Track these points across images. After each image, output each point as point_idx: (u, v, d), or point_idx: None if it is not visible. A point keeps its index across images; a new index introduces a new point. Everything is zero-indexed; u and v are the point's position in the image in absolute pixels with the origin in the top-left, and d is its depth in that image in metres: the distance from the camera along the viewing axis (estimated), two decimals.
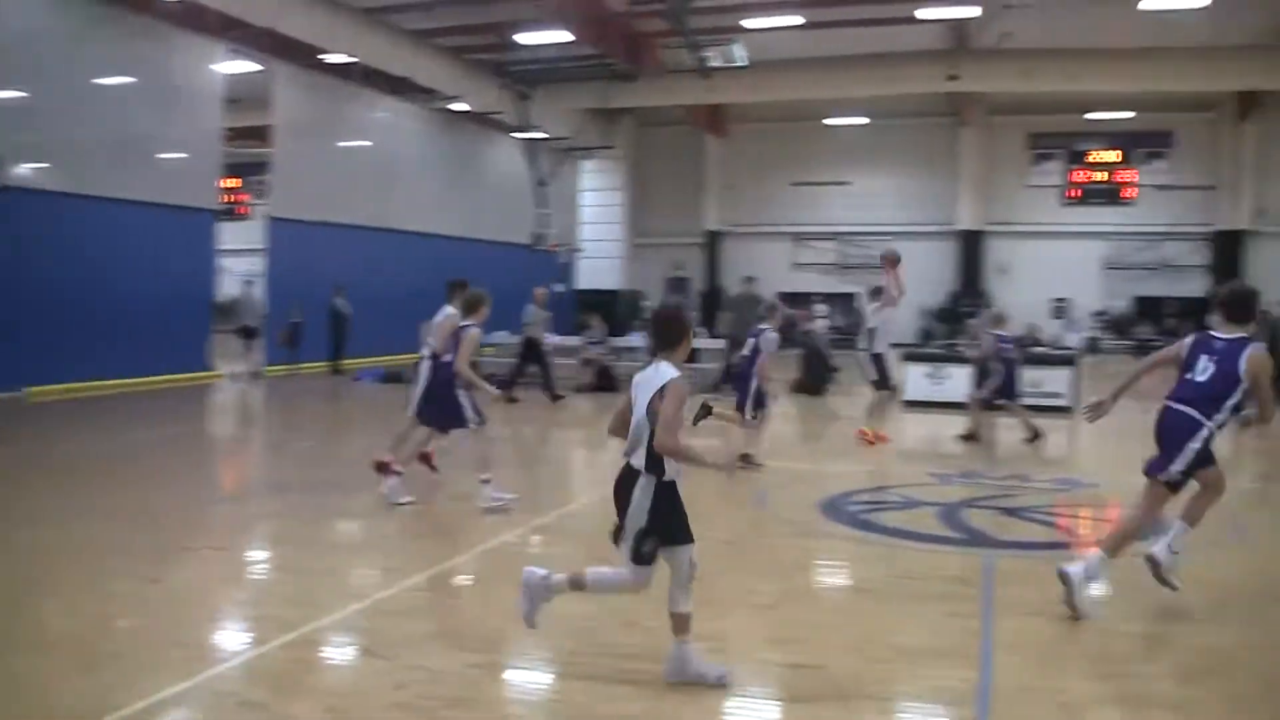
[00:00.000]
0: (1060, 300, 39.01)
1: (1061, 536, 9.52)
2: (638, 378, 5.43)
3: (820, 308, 36.88)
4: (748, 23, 27.35)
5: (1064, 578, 6.72)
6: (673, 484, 5.34)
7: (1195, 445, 6.83)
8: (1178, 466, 6.88)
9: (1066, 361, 19.48)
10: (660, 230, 41.79)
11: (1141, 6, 25.37)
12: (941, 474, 11.77)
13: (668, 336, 5.46)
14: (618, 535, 5.42)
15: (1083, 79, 32.25)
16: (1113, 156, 40.38)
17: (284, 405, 20.22)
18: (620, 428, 5.51)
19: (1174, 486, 6.97)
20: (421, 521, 9.61)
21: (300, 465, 13.17)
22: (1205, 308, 35.91)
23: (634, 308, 35.91)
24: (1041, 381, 17.92)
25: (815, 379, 21.53)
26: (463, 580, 7.84)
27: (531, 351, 19.72)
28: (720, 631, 6.27)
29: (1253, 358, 6.82)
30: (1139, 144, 40.05)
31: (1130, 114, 38.02)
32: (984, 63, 32.10)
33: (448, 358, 9.88)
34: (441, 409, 9.96)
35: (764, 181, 41.30)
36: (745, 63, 29.10)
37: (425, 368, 10.22)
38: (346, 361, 24.79)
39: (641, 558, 5.32)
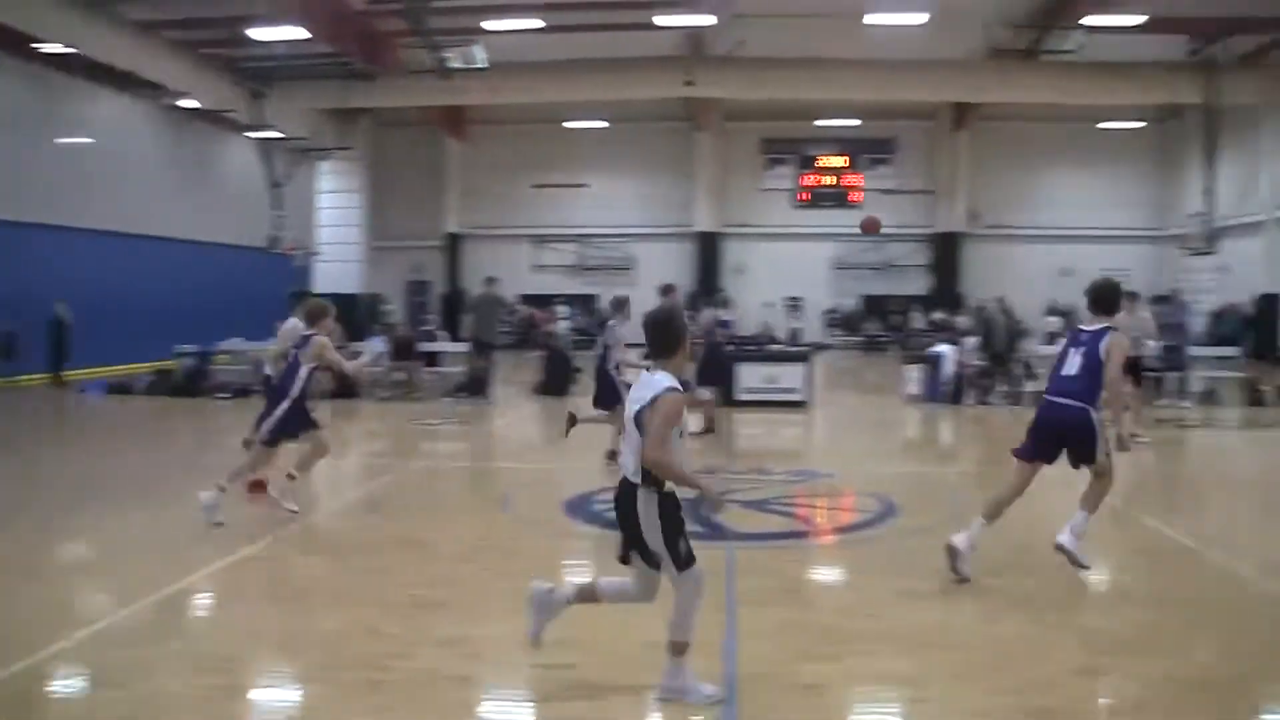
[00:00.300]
0: (794, 299, 40.57)
1: (800, 526, 9.87)
2: (635, 387, 5.27)
3: (562, 309, 37.16)
4: (488, 24, 27.25)
5: (950, 549, 7.43)
6: (673, 494, 5.20)
7: (1099, 430, 7.48)
8: (1101, 462, 7.52)
9: (800, 358, 20.19)
10: (400, 233, 41.14)
11: (866, 21, 26.66)
12: None
13: (662, 342, 5.27)
14: (627, 556, 5.32)
15: (812, 87, 33.59)
16: (840, 162, 42.25)
17: None
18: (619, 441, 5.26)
19: (1038, 466, 7.71)
20: (155, 538, 9.13)
21: (15, 484, 12.32)
22: (928, 305, 38.07)
23: (373, 312, 35.25)
24: (777, 377, 18.55)
25: (557, 380, 21.64)
26: (201, 599, 7.51)
27: None
28: (469, 635, 6.25)
29: (1111, 341, 7.48)
30: (865, 150, 42.11)
31: (857, 121, 39.98)
32: (719, 70, 33.00)
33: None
34: (301, 417, 9.67)
35: (505, 183, 41.22)
36: (485, 64, 28.98)
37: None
38: (70, 373, 23.37)
39: (684, 562, 5.19)
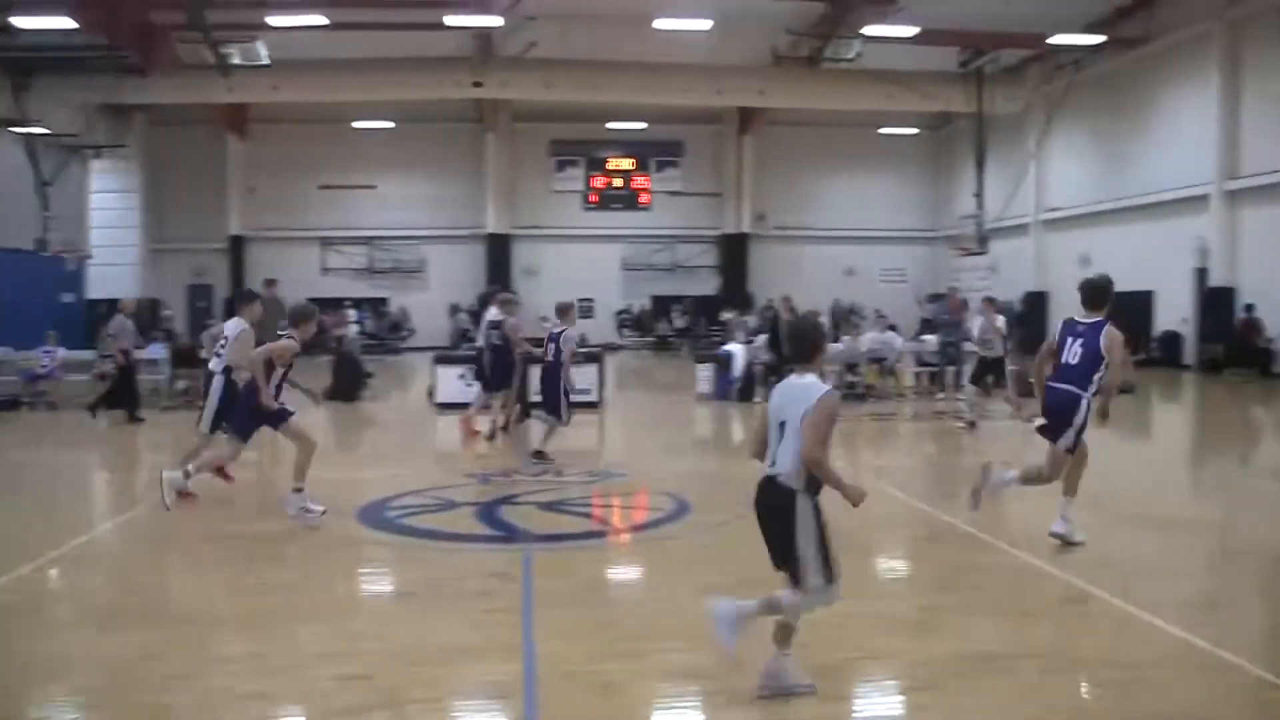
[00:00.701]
0: (585, 300, 40.72)
1: (596, 526, 9.91)
2: (778, 391, 5.37)
3: (351, 313, 36.42)
4: (270, 20, 26.47)
5: (1056, 535, 8.41)
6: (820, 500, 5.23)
7: (1079, 419, 8.27)
8: (1067, 442, 8.33)
9: (592, 359, 20.27)
10: (181, 235, 39.54)
11: (655, 25, 27.02)
12: (479, 473, 11.92)
13: (803, 348, 5.51)
14: (784, 563, 5.30)
15: (601, 90, 33.83)
16: (629, 164, 42.69)
17: None
18: (761, 450, 5.41)
19: (1070, 451, 8.38)
20: None
21: None
22: (716, 305, 38.76)
23: (153, 317, 33.85)
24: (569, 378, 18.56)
25: (348, 385, 21.20)
26: None
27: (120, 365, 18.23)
28: (262, 650, 6.06)
29: (1110, 335, 8.30)
30: (653, 153, 42.68)
31: (644, 124, 40.45)
32: (508, 71, 32.96)
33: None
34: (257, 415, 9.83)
35: (291, 184, 40.13)
36: (267, 61, 28.22)
37: (219, 382, 10.67)
38: None
39: (834, 574, 5.27)
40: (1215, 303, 28.20)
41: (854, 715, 5.40)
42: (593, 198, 42.70)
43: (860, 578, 7.91)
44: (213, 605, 7.09)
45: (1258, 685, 5.56)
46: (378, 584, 8.09)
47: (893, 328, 23.77)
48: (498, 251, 40.74)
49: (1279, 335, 26.05)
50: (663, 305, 41.99)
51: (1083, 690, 5.63)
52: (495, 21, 27.13)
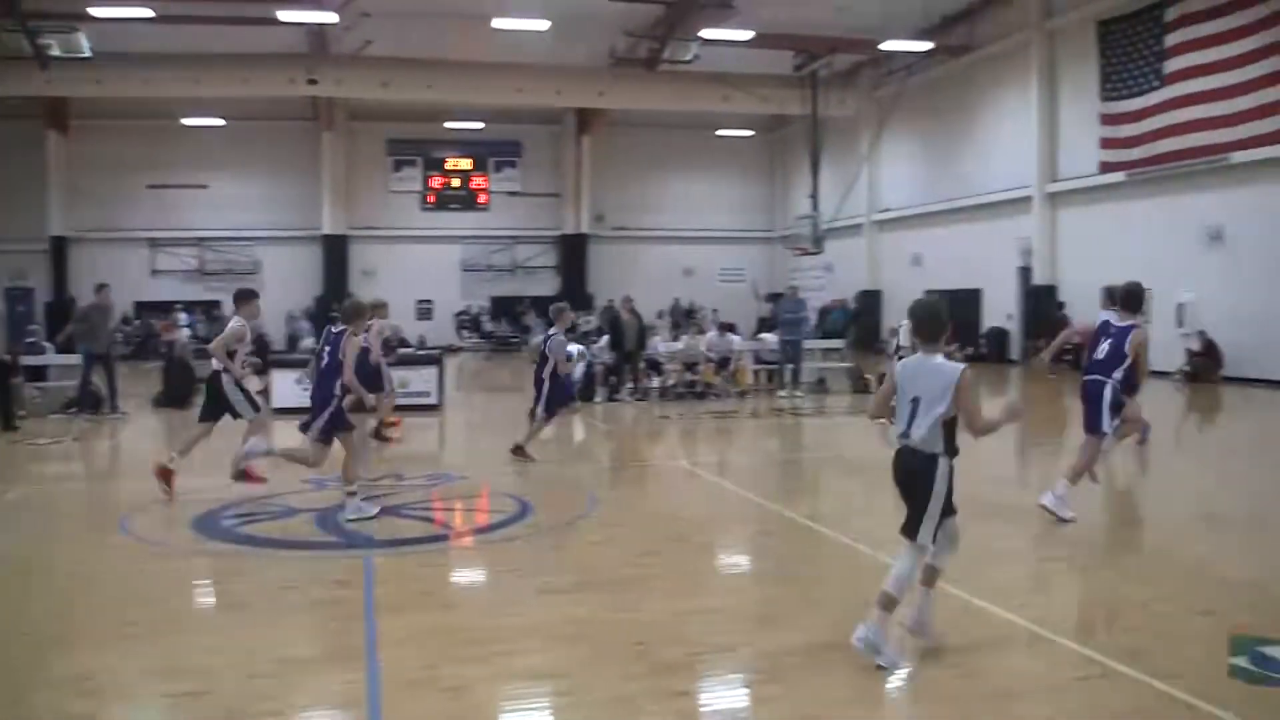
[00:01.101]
0: (424, 302, 40.40)
1: (438, 530, 9.81)
2: (908, 369, 5.94)
3: (182, 317, 35.41)
4: (93, 10, 25.47)
5: (1045, 508, 9.28)
6: None
7: (1109, 400, 9.33)
8: (1107, 424, 9.39)
9: (431, 361, 20.08)
10: None
11: (494, 25, 26.89)
12: (317, 479, 11.67)
13: (932, 330, 5.97)
14: (913, 524, 5.82)
15: (439, 89, 33.57)
16: (467, 164, 42.47)
17: None
18: (883, 410, 6.29)
19: (1103, 437, 9.50)
20: None
21: None
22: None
23: None
24: (408, 380, 18.35)
25: (178, 391, 20.52)
26: None
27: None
28: (93, 669, 5.82)
29: (1135, 337, 9.32)
30: (492, 153, 42.57)
31: (483, 125, 40.25)
32: (344, 68, 32.44)
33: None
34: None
35: (116, 183, 38.58)
36: (89, 53, 27.20)
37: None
38: None
39: (936, 538, 5.86)
40: (1038, 300, 29.37)
41: (701, 711, 5.44)
42: (431, 198, 42.36)
43: (701, 573, 8.04)
44: (37, 623, 6.79)
45: (1080, 661, 5.81)
46: (214, 596, 7.85)
47: (731, 327, 24.14)
48: (335, 253, 40.03)
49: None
50: (503, 306, 41.84)
51: (922, 674, 5.78)
52: (330, 18, 26.66)
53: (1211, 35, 24.04)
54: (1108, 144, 27.28)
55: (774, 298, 30.34)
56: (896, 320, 25.36)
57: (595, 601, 7.05)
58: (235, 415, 11.09)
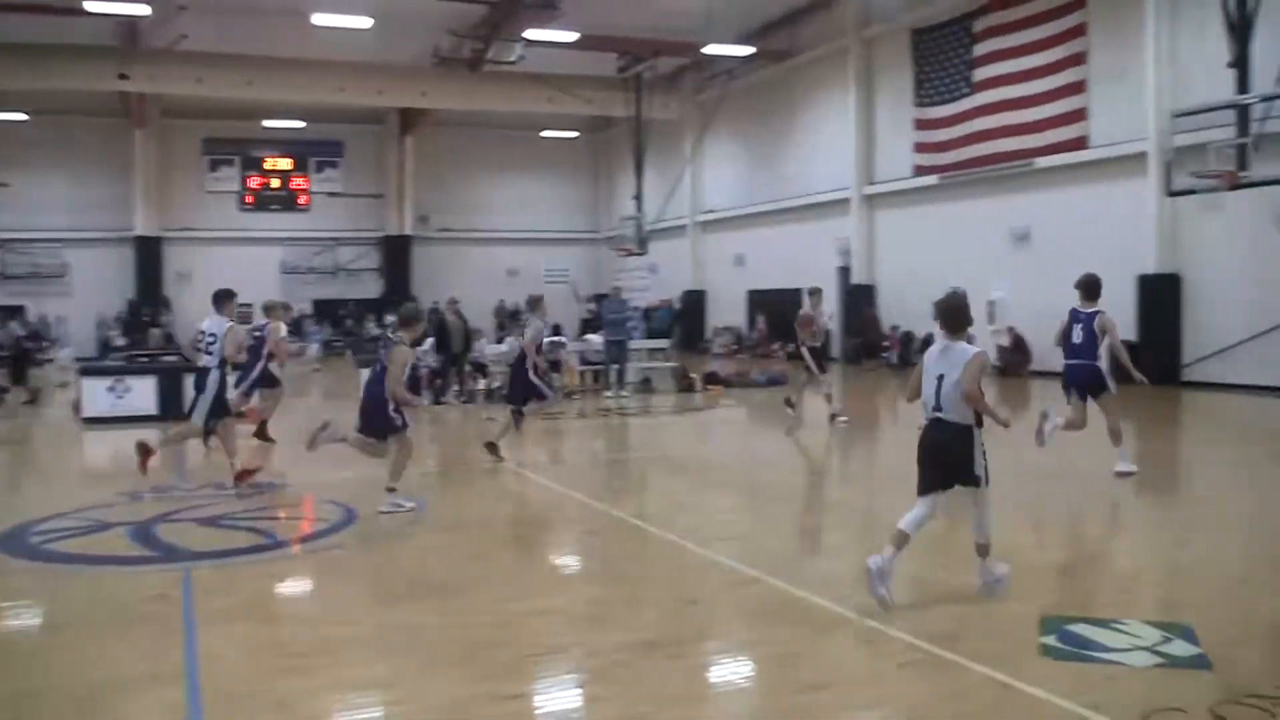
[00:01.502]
0: (244, 306, 39.21)
1: (260, 540, 9.57)
2: (933, 354, 6.98)
3: None
4: None
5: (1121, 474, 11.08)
6: None
7: (1103, 370, 11.02)
8: (1111, 386, 11.09)
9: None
10: None
11: (314, 21, 26.35)
12: (132, 492, 11.27)
13: (958, 322, 7.04)
14: (950, 484, 6.89)
15: (257, 86, 32.70)
16: (287, 164, 41.57)
17: None
18: (914, 395, 7.08)
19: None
20: None
21: None
22: (381, 307, 38.28)
23: None
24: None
25: None
26: None
27: None
28: None
29: (1100, 321, 10.99)
30: (312, 152, 41.78)
31: (303, 124, 39.42)
32: (157, 63, 31.33)
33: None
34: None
35: None
36: None
37: (215, 376, 11.49)
38: None
39: (989, 479, 6.88)
40: (857, 299, 30.24)
41: (534, 713, 5.45)
42: (249, 199, 41.37)
43: (529, 575, 8.05)
44: None
45: (903, 648, 5.98)
46: (24, 618, 7.47)
47: (556, 329, 24.19)
48: (148, 255, 38.70)
49: (905, 326, 28.13)
50: (325, 309, 41.06)
51: (748, 668, 5.90)
52: (142, 9, 25.66)
53: (1016, 46, 25.15)
54: (921, 148, 28.27)
55: (599, 299, 30.48)
56: (723, 322, 25.70)
57: (425, 607, 6.99)
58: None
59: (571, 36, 28.30)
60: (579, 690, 5.66)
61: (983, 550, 7.00)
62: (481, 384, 21.15)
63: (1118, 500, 10.76)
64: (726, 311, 37.29)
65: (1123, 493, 10.90)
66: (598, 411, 19.55)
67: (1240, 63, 17.10)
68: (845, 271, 31.13)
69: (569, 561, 8.94)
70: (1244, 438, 16.15)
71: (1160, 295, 22.01)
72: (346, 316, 40.47)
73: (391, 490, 10.16)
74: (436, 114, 39.18)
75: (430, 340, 21.54)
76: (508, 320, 34.55)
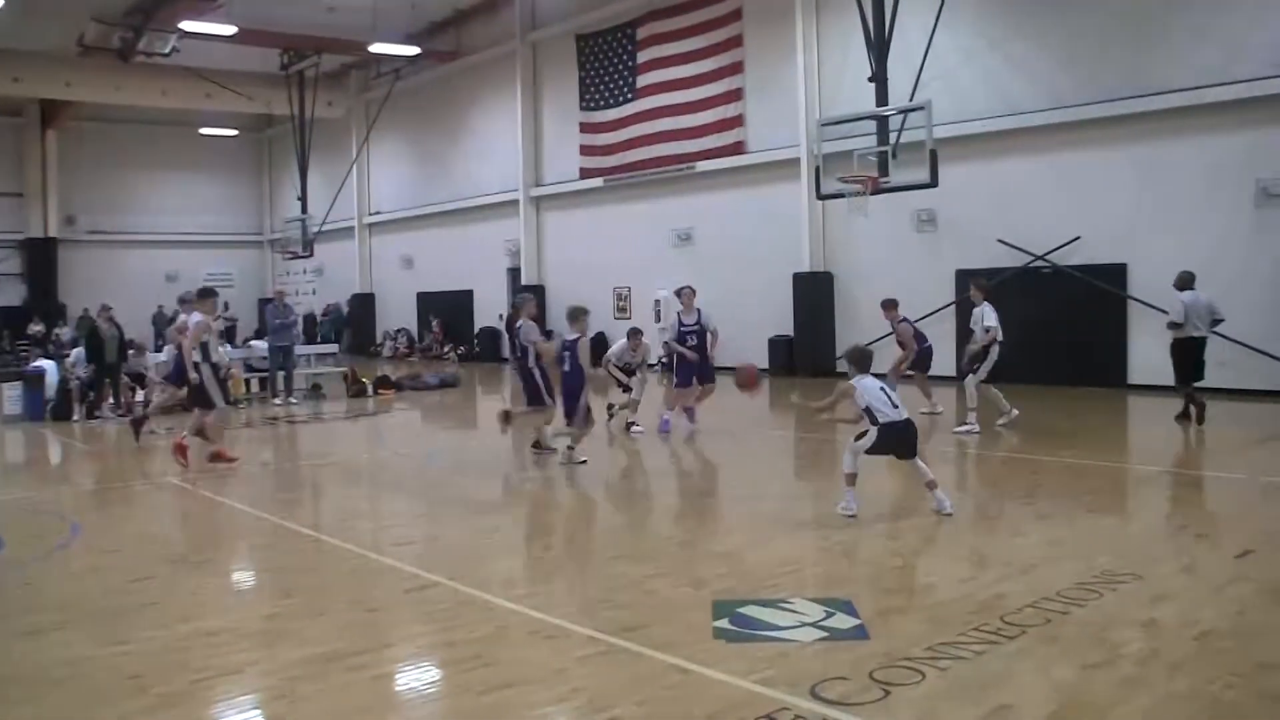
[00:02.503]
0: None
1: None
2: (869, 382, 9.26)
3: None
4: None
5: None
6: None
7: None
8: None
9: None
10: None
11: None
12: None
13: (867, 364, 9.48)
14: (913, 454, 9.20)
15: None
16: None
17: None
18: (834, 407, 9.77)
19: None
20: None
21: None
22: (26, 316, 35.69)
23: None
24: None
25: None
26: None
27: None
28: None
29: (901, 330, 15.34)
30: None
31: None
32: None
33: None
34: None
35: None
36: None
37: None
38: None
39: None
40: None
41: None
42: None
43: (200, 594, 7.65)
44: None
45: (583, 641, 6.09)
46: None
47: (223, 333, 23.24)
48: None
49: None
50: None
51: (433, 673, 5.86)
52: None
53: (677, 54, 26.10)
54: (587, 151, 28.87)
55: (266, 302, 29.52)
56: (393, 324, 25.33)
57: (83, 638, 6.55)
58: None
59: (230, 30, 27.22)
60: (258, 711, 5.45)
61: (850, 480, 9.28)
62: (140, 395, 19.97)
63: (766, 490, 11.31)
64: (396, 314, 36.87)
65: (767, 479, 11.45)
66: (266, 420, 18.92)
67: (879, 78, 18.28)
68: (515, 273, 31.40)
69: (241, 577, 8.58)
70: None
71: (815, 292, 23.40)
72: None
73: (570, 449, 12.56)
74: (83, 107, 36.83)
75: (78, 350, 20.27)
76: (166, 329, 32.92)
